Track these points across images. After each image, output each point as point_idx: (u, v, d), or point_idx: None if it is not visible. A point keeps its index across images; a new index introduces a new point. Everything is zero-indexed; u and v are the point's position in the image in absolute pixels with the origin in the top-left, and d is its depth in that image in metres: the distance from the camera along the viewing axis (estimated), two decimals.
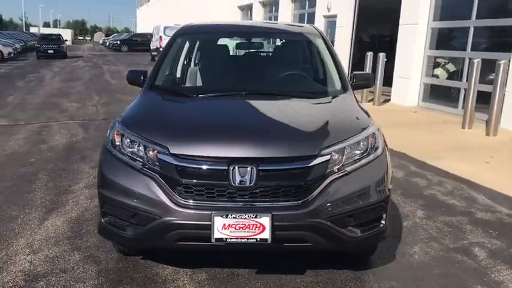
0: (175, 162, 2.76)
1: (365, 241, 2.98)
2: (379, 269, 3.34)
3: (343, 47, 14.71)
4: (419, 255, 3.57)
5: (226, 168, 2.70)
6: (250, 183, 2.69)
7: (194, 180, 2.74)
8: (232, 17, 28.69)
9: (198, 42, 4.90)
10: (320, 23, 16.41)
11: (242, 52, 4.92)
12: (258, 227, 2.68)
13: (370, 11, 15.19)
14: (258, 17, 24.62)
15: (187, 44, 4.75)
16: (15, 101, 11.40)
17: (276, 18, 21.51)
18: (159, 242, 2.81)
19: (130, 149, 2.93)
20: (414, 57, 11.30)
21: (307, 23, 15.62)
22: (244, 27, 5.16)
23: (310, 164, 2.76)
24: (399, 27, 11.89)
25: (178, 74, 4.35)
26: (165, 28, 28.47)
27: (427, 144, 7.41)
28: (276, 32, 4.95)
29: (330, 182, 2.78)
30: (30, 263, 3.32)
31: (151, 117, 3.19)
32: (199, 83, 4.11)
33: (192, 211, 2.71)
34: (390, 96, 12.18)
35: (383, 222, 3.02)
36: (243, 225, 2.68)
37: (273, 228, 2.69)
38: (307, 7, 18.87)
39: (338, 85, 3.93)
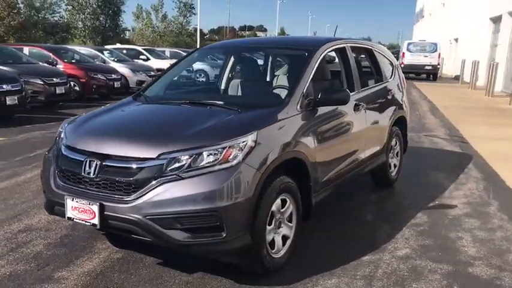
0: (63, 150, 3.41)
1: (197, 247, 3.02)
2: None
3: None
4: None
5: (83, 159, 3.21)
6: (93, 175, 3.13)
7: (64, 167, 3.34)
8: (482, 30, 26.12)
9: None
10: None
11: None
12: (91, 213, 3.10)
13: None
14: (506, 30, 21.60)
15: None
16: None
17: None
18: (54, 213, 3.47)
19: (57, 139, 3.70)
20: None
21: None
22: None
23: (143, 166, 3.03)
24: None
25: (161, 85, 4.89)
26: (408, 44, 28.00)
27: None
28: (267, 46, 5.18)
29: (160, 184, 2.98)
30: None
31: (89, 117, 3.87)
32: (162, 92, 4.59)
33: (59, 191, 3.31)
34: None
35: (224, 233, 2.98)
36: (83, 210, 3.14)
37: (102, 216, 3.07)
38: None
39: (278, 99, 3.86)
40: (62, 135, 3.60)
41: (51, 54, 14.35)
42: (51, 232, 4.16)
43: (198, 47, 22.76)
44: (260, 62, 5.28)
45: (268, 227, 3.31)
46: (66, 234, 4.13)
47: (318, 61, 4.16)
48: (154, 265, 3.59)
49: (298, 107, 3.72)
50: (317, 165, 3.82)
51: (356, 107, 4.53)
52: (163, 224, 2.96)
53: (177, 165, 3.01)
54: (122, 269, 3.52)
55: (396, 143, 5.78)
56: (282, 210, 3.48)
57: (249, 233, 3.10)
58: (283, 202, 3.48)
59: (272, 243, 3.42)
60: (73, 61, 14.89)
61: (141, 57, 19.87)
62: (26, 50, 14.55)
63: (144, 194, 2.99)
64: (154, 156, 3.04)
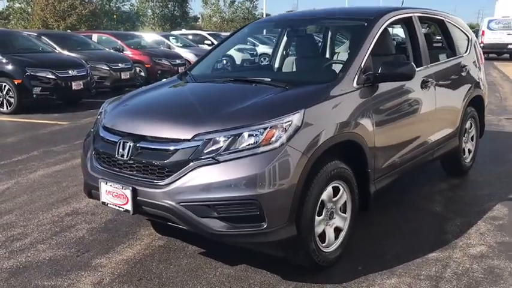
0: (100, 132, 3.24)
1: (234, 238, 2.73)
2: None
3: None
4: None
5: (117, 140, 3.00)
6: (126, 157, 2.91)
7: (100, 149, 3.16)
8: None
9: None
10: None
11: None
12: (124, 198, 2.89)
13: None
14: None
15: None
16: None
17: None
18: (91, 196, 3.30)
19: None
20: None
21: None
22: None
23: (176, 148, 2.77)
24: None
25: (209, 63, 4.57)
26: (489, 21, 25.78)
27: None
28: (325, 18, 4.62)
29: (195, 168, 2.70)
30: None
31: (128, 97, 3.67)
32: (209, 70, 4.28)
33: (94, 174, 3.13)
34: None
35: (264, 224, 2.66)
36: (117, 194, 2.94)
37: (135, 202, 2.84)
38: None
39: (332, 74, 3.45)
40: (101, 116, 3.43)
41: (118, 40, 14.68)
42: (96, 216, 4.05)
43: (264, 33, 22.34)
44: (317, 36, 4.86)
45: (317, 218, 2.95)
46: (111, 219, 3.99)
47: (379, 32, 3.67)
48: (196, 255, 3.34)
49: (355, 83, 3.29)
50: (376, 149, 3.38)
51: (424, 84, 4.01)
52: (197, 211, 2.69)
53: (213, 147, 2.71)
54: (161, 258, 3.31)
55: (471, 125, 5.14)
56: (335, 199, 3.10)
57: (294, 224, 2.76)
58: (336, 190, 3.09)
59: (323, 236, 3.05)
60: (139, 47, 15.11)
61: (206, 42, 19.86)
62: (95, 36, 14.95)
63: (178, 179, 2.72)
64: (189, 137, 2.76)
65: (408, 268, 3.13)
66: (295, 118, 2.79)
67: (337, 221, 3.16)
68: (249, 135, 2.71)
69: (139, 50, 14.69)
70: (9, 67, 9.21)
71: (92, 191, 3.22)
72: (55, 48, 11.40)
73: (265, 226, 2.67)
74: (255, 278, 3.02)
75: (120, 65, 12.12)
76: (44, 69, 9.33)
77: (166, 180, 2.76)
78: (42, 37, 11.89)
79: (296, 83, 3.37)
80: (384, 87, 3.50)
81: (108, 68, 11.78)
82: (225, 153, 2.69)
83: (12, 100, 9.19)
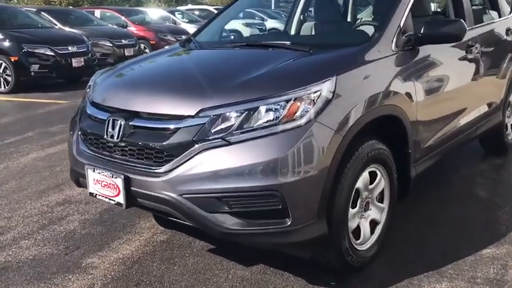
0: (87, 108, 2.70)
1: (251, 238, 2.20)
2: None
3: None
4: None
5: (106, 118, 2.46)
6: (117, 138, 2.37)
7: (87, 129, 2.62)
8: None
9: None
10: None
11: None
12: (115, 188, 2.37)
13: None
14: None
15: None
16: None
17: None
18: (80, 185, 2.78)
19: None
20: None
21: None
22: None
23: (178, 126, 2.23)
24: None
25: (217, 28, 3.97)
26: None
27: None
28: None
29: (201, 151, 2.16)
30: None
31: (122, 67, 3.11)
32: (216, 36, 3.68)
33: (80, 159, 2.60)
34: None
35: (288, 220, 2.12)
36: (106, 184, 2.41)
37: (128, 193, 2.32)
38: None
39: (365, 36, 2.86)
40: (90, 90, 2.89)
41: (122, 16, 14.11)
42: (91, 206, 3.54)
43: (272, 8, 21.51)
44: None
45: (351, 210, 2.41)
46: (108, 208, 3.48)
47: None
48: (204, 253, 2.83)
49: (393, 45, 2.71)
50: (418, 125, 2.82)
51: (469, 49, 3.41)
52: (205, 205, 2.16)
53: (223, 125, 2.16)
54: (163, 257, 2.80)
55: None
56: (371, 186, 2.56)
57: (324, 219, 2.22)
58: (372, 176, 2.55)
59: (356, 231, 2.52)
60: (143, 23, 14.52)
61: None
62: (98, 12, 14.36)
63: (179, 165, 2.18)
64: (193, 113, 2.21)
65: (460, 268, 2.59)
66: (325, 87, 2.22)
67: (373, 213, 2.62)
68: (267, 110, 2.16)
69: (144, 26, 14.13)
70: (5, 43, 8.68)
71: (79, 179, 2.70)
72: (55, 25, 10.83)
73: (289, 223, 2.13)
74: (275, 282, 2.50)
75: (123, 41, 11.57)
76: (42, 45, 8.81)
77: (166, 167, 2.22)
78: (42, 13, 11.31)
79: (321, 46, 2.79)
80: (425, 51, 2.92)
81: (111, 45, 11.24)
82: (237, 132, 2.14)
83: (9, 79, 8.69)
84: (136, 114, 2.37)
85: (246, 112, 2.16)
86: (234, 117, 2.17)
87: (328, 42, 2.96)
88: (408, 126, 2.70)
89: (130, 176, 2.30)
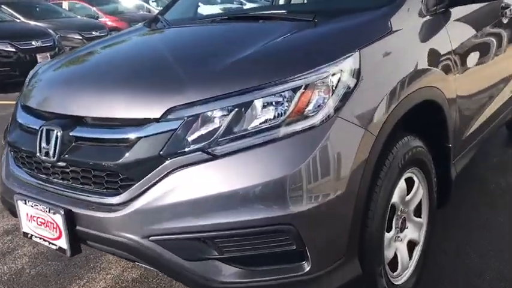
0: (17, 114, 1.99)
1: None
2: None
3: None
4: None
5: (38, 128, 1.75)
6: (53, 156, 1.66)
7: (16, 143, 1.91)
8: None
9: None
10: None
11: None
12: (54, 228, 1.66)
13: None
14: None
15: None
16: None
17: None
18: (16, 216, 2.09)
19: None
20: None
21: None
22: None
23: (138, 135, 1.52)
24: None
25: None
26: None
27: None
28: None
29: (173, 170, 1.46)
30: None
31: (66, 57, 2.39)
32: (191, 12, 2.95)
33: (9, 186, 1.89)
34: None
35: (307, 265, 1.45)
36: (43, 221, 1.71)
37: (72, 235, 1.62)
38: None
39: None
40: (23, 90, 2.17)
41: (92, 7, 13.25)
42: None
43: None
44: None
45: (387, 235, 1.75)
46: None
47: None
48: None
49: (424, 6, 2.03)
50: (458, 109, 2.17)
51: (503, 12, 2.75)
52: (183, 251, 1.47)
53: (204, 130, 1.47)
54: None
55: None
56: (408, 198, 1.90)
57: (356, 256, 1.56)
58: (409, 184, 1.89)
59: (393, 260, 1.86)
60: (116, 13, 13.68)
61: None
62: (65, 4, 13.49)
63: (142, 193, 1.49)
64: (158, 115, 1.51)
65: None
66: (347, 67, 1.54)
67: (410, 232, 1.97)
68: (266, 105, 1.47)
69: (116, 16, 13.35)
70: None
71: (14, 210, 1.99)
72: (17, 19, 9.95)
73: (307, 269, 1.46)
74: None
75: (94, 33, 10.73)
76: (1, 40, 7.94)
77: (123, 196, 1.52)
78: (2, 6, 10.39)
79: (328, 13, 2.09)
80: (456, 14, 2.25)
81: (80, 37, 10.44)
82: (224, 140, 1.45)
83: None
84: (79, 121, 1.66)
85: (236, 109, 1.47)
86: (218, 117, 1.47)
87: (336, 7, 2.26)
88: (448, 113, 2.05)
89: (74, 210, 1.60)
